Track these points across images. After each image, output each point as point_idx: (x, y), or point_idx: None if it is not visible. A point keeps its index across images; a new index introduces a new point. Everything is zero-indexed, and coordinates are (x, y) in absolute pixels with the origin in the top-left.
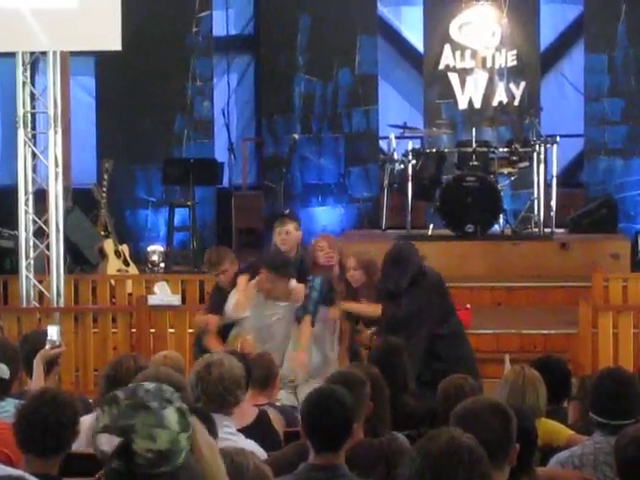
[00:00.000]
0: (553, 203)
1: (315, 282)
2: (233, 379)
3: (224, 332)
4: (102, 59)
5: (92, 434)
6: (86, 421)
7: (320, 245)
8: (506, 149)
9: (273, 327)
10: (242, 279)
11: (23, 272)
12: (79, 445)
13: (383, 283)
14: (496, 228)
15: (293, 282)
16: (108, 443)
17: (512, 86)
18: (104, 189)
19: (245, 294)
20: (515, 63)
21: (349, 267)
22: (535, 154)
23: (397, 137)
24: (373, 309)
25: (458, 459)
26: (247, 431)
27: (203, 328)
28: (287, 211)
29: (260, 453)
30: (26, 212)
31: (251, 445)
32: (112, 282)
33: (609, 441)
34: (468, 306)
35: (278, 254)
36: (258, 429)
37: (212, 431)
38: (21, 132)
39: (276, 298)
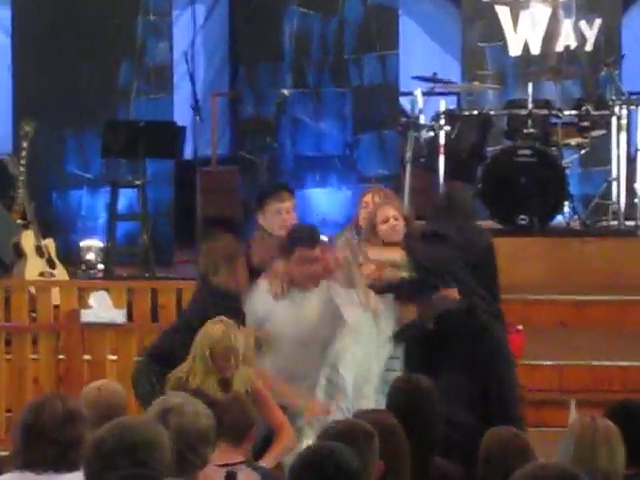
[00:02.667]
0: (638, 186)
1: None
2: (198, 433)
3: None
4: None
5: None
6: None
7: (365, 201)
8: (574, 112)
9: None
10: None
11: None
12: None
13: (430, 227)
14: (560, 220)
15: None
16: None
17: (583, 25)
18: (22, 162)
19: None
20: None
21: (388, 217)
22: (614, 119)
23: (424, 93)
24: (400, 254)
25: None
26: None
27: None
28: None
29: None
30: None
31: None
32: (32, 290)
33: None
34: (520, 327)
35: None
36: None
37: None
38: None
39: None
